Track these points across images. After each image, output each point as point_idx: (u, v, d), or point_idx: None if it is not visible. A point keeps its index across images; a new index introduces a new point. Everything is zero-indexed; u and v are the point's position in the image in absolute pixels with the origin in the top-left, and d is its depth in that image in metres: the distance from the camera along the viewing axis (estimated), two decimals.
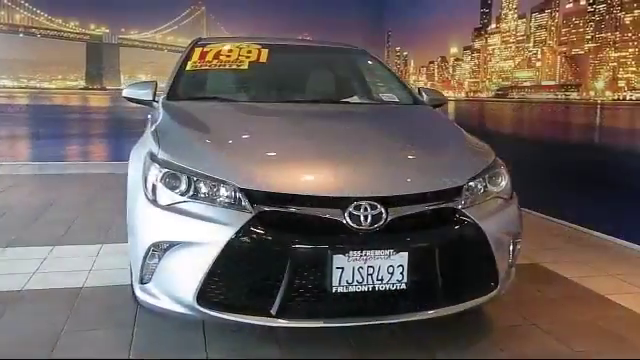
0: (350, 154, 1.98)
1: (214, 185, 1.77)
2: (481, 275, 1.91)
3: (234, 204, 1.74)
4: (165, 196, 1.80)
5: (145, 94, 2.72)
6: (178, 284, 1.76)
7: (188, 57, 2.99)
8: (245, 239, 1.67)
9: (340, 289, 1.69)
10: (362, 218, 1.70)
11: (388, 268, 1.71)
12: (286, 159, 1.93)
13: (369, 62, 3.55)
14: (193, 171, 1.81)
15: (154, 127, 2.25)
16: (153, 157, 1.93)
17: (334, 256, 1.67)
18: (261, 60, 3.06)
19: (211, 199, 1.77)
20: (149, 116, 2.77)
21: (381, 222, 1.71)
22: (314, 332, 1.97)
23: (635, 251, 3.33)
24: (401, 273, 1.72)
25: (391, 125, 2.53)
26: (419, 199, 1.79)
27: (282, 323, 1.72)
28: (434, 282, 1.77)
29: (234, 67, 3.01)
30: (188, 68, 2.92)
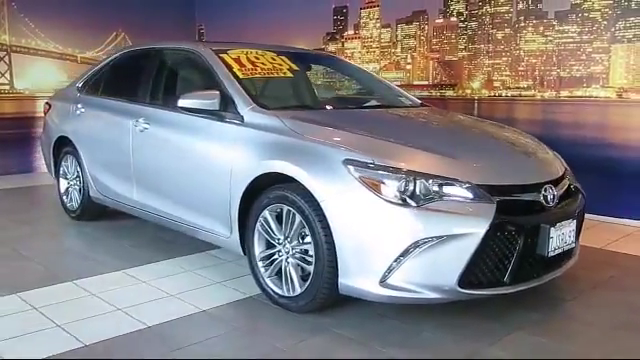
0: (514, 151, 2.58)
1: (452, 184, 2.08)
2: (580, 230, 2.57)
3: (477, 198, 2.08)
4: (405, 197, 2.03)
5: (210, 104, 2.66)
6: (438, 273, 2.03)
7: (227, 65, 2.89)
8: (496, 225, 2.06)
9: (551, 254, 2.24)
10: (549, 197, 2.28)
11: (569, 233, 2.33)
12: (491, 158, 2.40)
13: (357, 67, 3.91)
14: (428, 174, 2.07)
15: (312, 137, 2.31)
16: (372, 165, 2.09)
17: (551, 229, 2.21)
18: (294, 68, 3.20)
19: (455, 196, 2.07)
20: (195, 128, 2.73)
21: (555, 199, 2.31)
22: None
23: None
24: (572, 236, 2.37)
25: (477, 125, 3.07)
26: (559, 180, 2.43)
27: (515, 289, 2.17)
28: (577, 239, 2.45)
29: (281, 75, 3.09)
30: (241, 76, 2.83)
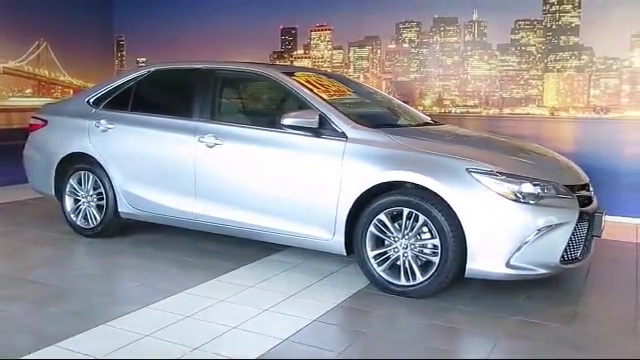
0: (561, 160, 3.24)
1: (549, 185, 2.70)
2: None
3: (565, 195, 2.73)
4: (521, 197, 2.61)
5: (312, 122, 2.95)
6: (547, 254, 2.66)
7: (305, 86, 3.21)
8: (580, 214, 2.74)
9: (601, 235, 2.94)
10: (592, 193, 3.02)
11: (605, 219, 2.98)
12: (554, 165, 3.10)
13: (382, 92, 4.44)
14: (533, 178, 2.69)
15: (426, 150, 2.81)
16: (492, 172, 2.65)
17: (602, 217, 2.90)
18: (350, 88, 3.70)
19: (553, 194, 2.69)
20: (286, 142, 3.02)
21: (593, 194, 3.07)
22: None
23: None
24: (603, 223, 2.97)
25: (514, 140, 3.61)
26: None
27: (582, 263, 2.85)
28: None
29: (348, 96, 3.59)
30: (325, 97, 3.18)
